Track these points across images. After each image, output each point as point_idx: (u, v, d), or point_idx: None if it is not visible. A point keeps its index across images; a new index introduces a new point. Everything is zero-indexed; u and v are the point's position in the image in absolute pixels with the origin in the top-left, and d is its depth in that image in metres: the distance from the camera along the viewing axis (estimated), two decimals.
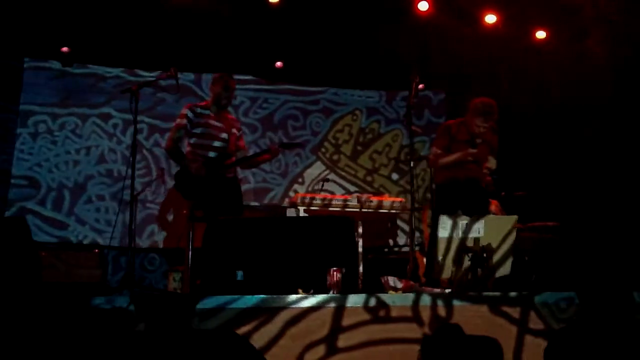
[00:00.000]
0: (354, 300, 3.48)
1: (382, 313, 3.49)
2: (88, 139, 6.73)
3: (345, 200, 5.47)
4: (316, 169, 7.40)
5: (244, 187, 5.90)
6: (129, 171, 4.47)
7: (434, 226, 4.42)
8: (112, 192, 6.65)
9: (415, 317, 3.52)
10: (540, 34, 7.05)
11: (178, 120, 4.98)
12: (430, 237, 4.82)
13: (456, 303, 3.56)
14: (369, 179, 7.54)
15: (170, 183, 6.72)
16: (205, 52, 6.78)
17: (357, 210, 5.45)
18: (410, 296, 3.57)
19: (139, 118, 6.57)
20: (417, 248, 5.08)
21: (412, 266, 4.44)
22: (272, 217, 5.86)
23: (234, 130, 5.06)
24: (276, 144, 5.11)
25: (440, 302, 3.55)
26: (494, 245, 4.05)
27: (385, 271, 4.86)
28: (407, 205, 5.55)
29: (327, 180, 7.26)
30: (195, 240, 4.72)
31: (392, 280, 4.29)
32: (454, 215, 4.11)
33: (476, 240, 4.03)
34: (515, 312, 3.63)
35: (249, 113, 7.26)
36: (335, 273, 3.82)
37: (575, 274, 5.06)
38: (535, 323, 3.63)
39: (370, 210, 5.51)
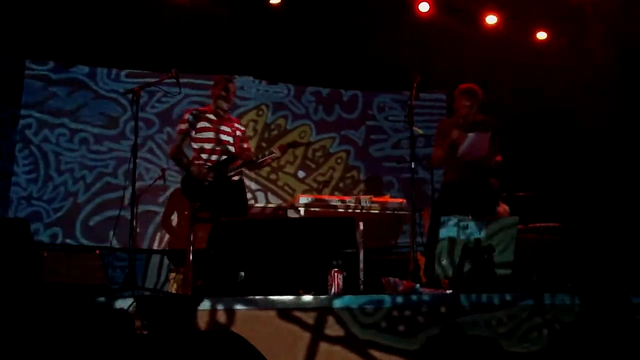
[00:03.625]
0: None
1: None
2: None
3: (346, 202, 5.47)
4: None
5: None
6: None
7: (435, 227, 4.43)
8: None
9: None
10: (541, 35, 7.06)
11: (180, 126, 4.98)
12: (431, 237, 4.84)
13: (239, 307, 3.30)
14: (272, 177, 7.22)
15: (169, 183, 6.76)
16: (204, 53, 6.77)
17: (358, 211, 5.45)
18: None
19: (26, 112, 6.60)
20: (418, 249, 5.09)
21: (413, 267, 4.44)
22: (274, 219, 5.86)
23: (238, 133, 5.08)
24: (280, 145, 5.03)
25: (220, 307, 3.28)
26: (495, 246, 4.05)
27: (386, 272, 4.87)
28: (408, 206, 5.54)
29: (328, 181, 7.27)
30: (196, 241, 4.74)
31: (392, 281, 4.29)
32: (455, 215, 4.11)
33: (477, 240, 4.03)
34: (309, 317, 3.36)
35: (146, 107, 6.90)
36: (336, 274, 3.82)
37: (576, 276, 5.06)
38: (333, 329, 3.38)
39: (371, 211, 5.51)
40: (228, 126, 5.02)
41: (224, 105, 5.02)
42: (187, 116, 4.97)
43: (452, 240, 4.05)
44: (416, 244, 4.50)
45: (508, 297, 3.58)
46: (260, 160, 4.98)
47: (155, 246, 6.65)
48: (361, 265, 5.37)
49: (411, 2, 6.84)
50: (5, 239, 3.68)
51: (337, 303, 3.40)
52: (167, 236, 6.73)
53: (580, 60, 6.58)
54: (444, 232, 4.03)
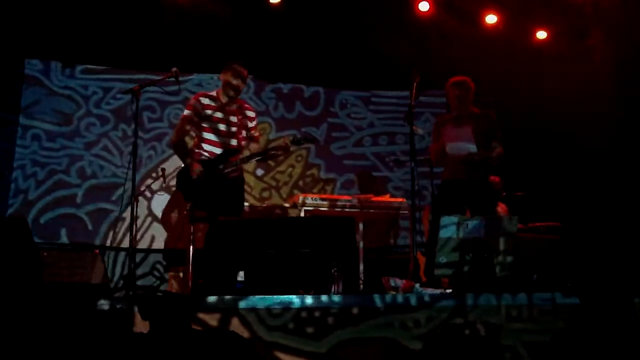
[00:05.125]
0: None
1: None
2: None
3: (346, 201, 5.47)
4: (173, 163, 6.63)
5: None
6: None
7: (435, 225, 4.42)
8: None
9: None
10: (541, 34, 7.06)
11: (185, 112, 4.72)
12: (431, 236, 4.84)
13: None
14: None
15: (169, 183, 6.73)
16: (205, 52, 6.76)
17: (358, 210, 5.45)
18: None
19: None
20: (418, 249, 5.08)
21: (413, 267, 4.44)
22: (274, 218, 5.85)
23: (246, 121, 4.80)
24: (288, 139, 4.72)
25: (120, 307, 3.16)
26: (495, 245, 4.05)
27: (386, 271, 4.87)
28: (408, 205, 5.54)
29: (327, 181, 7.26)
30: (196, 240, 4.70)
31: (392, 281, 4.30)
32: (455, 215, 4.11)
33: (477, 240, 4.03)
34: (212, 319, 3.25)
35: (101, 104, 6.78)
36: (336, 274, 3.82)
37: (576, 275, 5.06)
38: (237, 331, 3.25)
39: (371, 210, 5.51)
40: (236, 115, 4.74)
41: (232, 92, 4.72)
42: (192, 101, 4.71)
43: (452, 240, 4.05)
44: (416, 243, 4.49)
45: (427, 298, 3.46)
46: (259, 157, 4.78)
47: (108, 244, 6.55)
48: (361, 265, 5.38)
49: (411, 2, 6.84)
50: (5, 238, 3.67)
51: (243, 304, 3.28)
52: (120, 235, 6.59)
53: (580, 60, 6.58)
54: (443, 232, 4.03)
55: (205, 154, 4.65)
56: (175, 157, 6.57)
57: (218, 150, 4.66)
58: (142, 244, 6.61)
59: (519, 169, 6.67)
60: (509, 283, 4.05)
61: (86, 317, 3.04)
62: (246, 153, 4.78)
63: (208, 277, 4.16)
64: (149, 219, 6.73)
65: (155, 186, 6.72)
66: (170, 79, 4.44)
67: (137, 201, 5.53)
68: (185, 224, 4.83)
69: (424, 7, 6.80)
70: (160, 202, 6.79)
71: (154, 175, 6.76)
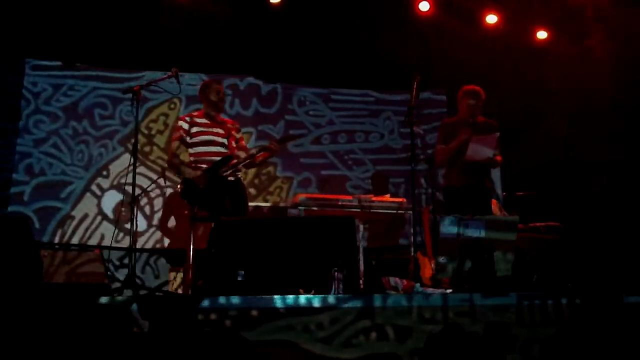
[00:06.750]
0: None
1: None
2: None
3: (346, 201, 5.47)
4: (124, 161, 6.51)
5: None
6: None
7: (437, 227, 4.43)
8: None
9: None
10: (542, 34, 7.06)
11: (175, 134, 5.01)
12: (434, 237, 4.86)
13: None
14: None
15: (169, 181, 6.71)
16: (205, 52, 6.77)
17: (359, 210, 5.45)
18: None
19: None
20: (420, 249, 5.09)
21: (413, 267, 4.44)
22: (274, 218, 5.86)
23: (233, 133, 5.10)
24: (275, 140, 5.04)
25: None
26: (495, 245, 4.05)
27: (387, 272, 4.87)
28: (408, 205, 5.54)
29: (328, 180, 7.25)
30: (196, 240, 4.73)
31: (393, 281, 4.30)
32: (456, 215, 4.11)
33: (477, 240, 4.03)
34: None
35: (51, 101, 6.69)
36: (336, 273, 3.82)
37: (575, 275, 5.06)
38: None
39: (371, 210, 5.51)
40: (222, 128, 5.05)
41: (216, 108, 5.07)
42: (180, 123, 5.00)
43: (451, 239, 4.05)
44: (416, 243, 4.49)
45: (331, 300, 3.36)
46: (254, 155, 4.97)
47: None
48: (361, 265, 5.37)
49: (411, 1, 6.84)
50: (5, 238, 3.68)
51: (135, 306, 3.16)
52: (69, 232, 6.53)
53: (580, 60, 6.59)
54: (444, 232, 4.03)
55: (203, 166, 4.87)
56: (125, 156, 6.62)
57: (212, 160, 4.87)
58: (92, 241, 6.51)
59: (519, 169, 6.67)
60: (509, 283, 4.05)
61: (86, 317, 3.04)
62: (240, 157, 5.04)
63: (208, 277, 4.17)
64: (99, 218, 6.64)
65: (104, 184, 6.67)
66: (171, 79, 4.55)
67: (138, 201, 5.54)
68: (185, 224, 4.88)
69: (424, 7, 6.81)
70: (110, 200, 6.69)
71: (104, 173, 6.72)
